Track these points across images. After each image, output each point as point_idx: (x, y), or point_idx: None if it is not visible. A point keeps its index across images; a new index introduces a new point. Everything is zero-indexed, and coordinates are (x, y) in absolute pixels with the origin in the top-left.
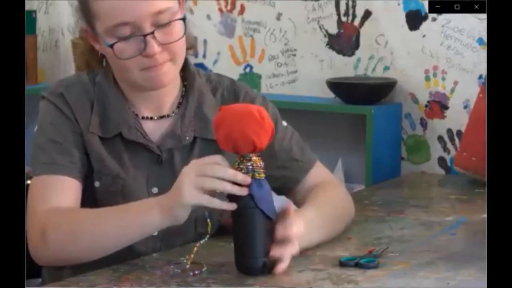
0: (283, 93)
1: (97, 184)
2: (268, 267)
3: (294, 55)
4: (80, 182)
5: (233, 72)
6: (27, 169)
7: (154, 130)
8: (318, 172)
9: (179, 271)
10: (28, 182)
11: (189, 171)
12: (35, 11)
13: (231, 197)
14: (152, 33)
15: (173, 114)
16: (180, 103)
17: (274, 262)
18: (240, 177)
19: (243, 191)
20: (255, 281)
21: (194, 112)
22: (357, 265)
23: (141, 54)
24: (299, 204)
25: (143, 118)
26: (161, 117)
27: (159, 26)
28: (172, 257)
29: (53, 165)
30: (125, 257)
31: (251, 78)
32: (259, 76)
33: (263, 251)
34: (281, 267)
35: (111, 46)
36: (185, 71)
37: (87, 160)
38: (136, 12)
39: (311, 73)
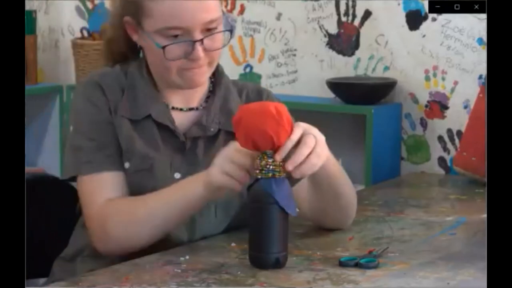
0: (283, 93)
1: (127, 165)
2: (282, 263)
3: (294, 55)
4: (121, 170)
5: (233, 72)
6: (27, 169)
7: (182, 120)
8: None
9: (179, 271)
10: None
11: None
12: (35, 11)
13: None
14: (202, 40)
15: (201, 107)
16: (208, 97)
17: (286, 258)
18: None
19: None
20: (255, 281)
21: (220, 106)
22: (357, 265)
23: (187, 57)
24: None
25: (173, 108)
26: (190, 109)
27: (207, 33)
28: (172, 257)
29: (94, 163)
30: (162, 246)
31: (251, 78)
32: (259, 76)
33: (279, 247)
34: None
35: (163, 47)
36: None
37: (119, 144)
38: (192, 18)
39: (311, 73)
